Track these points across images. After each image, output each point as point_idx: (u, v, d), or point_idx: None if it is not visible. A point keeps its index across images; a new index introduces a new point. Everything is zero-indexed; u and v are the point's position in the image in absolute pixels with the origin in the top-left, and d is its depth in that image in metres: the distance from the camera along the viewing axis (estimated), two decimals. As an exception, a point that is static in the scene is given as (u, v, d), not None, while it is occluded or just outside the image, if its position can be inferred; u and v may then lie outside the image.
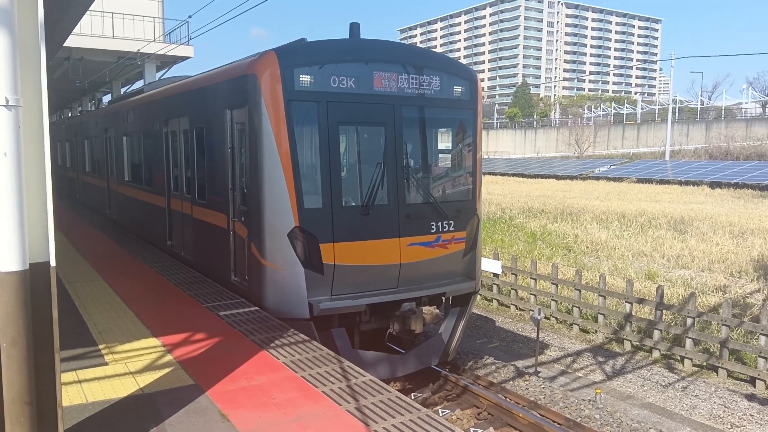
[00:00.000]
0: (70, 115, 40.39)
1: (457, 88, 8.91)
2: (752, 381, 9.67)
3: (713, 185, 37.58)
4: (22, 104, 3.32)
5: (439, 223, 8.74)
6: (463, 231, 9.01)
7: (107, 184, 17.20)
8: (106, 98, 34.10)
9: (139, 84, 28.53)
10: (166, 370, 5.79)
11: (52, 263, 3.63)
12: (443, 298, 9.08)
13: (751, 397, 9.28)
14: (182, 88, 10.93)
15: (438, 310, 8.69)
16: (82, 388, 5.36)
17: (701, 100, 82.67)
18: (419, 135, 8.87)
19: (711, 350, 10.51)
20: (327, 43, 8.20)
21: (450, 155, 9.51)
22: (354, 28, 8.54)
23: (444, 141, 9.42)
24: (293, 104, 7.64)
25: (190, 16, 19.12)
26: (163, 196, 11.84)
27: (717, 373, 10.06)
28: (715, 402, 9.13)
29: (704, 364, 10.32)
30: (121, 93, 27.24)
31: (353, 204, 8.15)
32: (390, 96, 8.26)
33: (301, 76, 7.65)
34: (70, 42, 19.43)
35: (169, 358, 6.14)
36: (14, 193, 3.28)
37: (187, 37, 23.51)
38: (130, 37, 24.16)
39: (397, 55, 8.49)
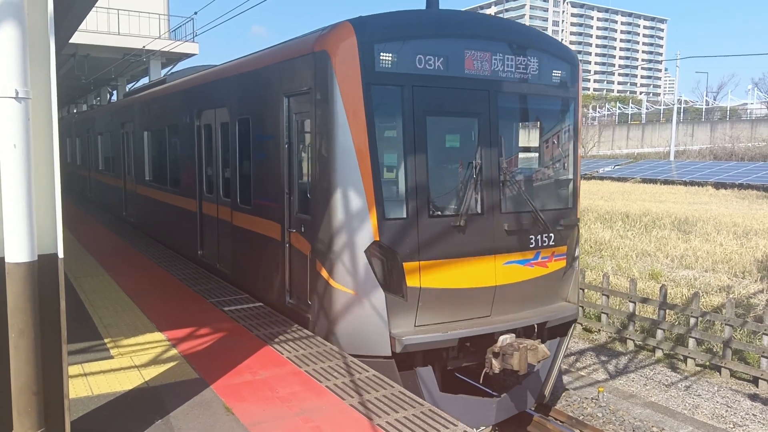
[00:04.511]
0: (76, 111, 40.35)
1: (557, 72, 7.42)
2: (755, 381, 9.66)
3: (718, 186, 37.49)
4: (32, 96, 3.35)
5: (539, 237, 7.21)
6: (564, 245, 7.50)
7: (124, 184, 15.93)
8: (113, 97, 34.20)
9: (144, 81, 28.61)
10: (171, 364, 5.83)
11: (60, 255, 3.66)
12: (535, 327, 7.40)
13: (753, 397, 9.27)
14: (220, 75, 9.53)
15: (544, 346, 7.01)
16: (88, 381, 5.40)
17: (706, 100, 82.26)
18: (517, 129, 7.47)
19: (714, 350, 10.50)
20: (408, 14, 6.69)
21: (550, 153, 7.92)
22: None
23: (544, 135, 7.85)
24: (374, 89, 6.21)
25: (195, 13, 19.10)
26: (194, 199, 10.50)
27: (720, 373, 10.05)
28: (717, 401, 9.13)
29: (707, 363, 10.31)
30: (127, 89, 27.24)
31: (441, 214, 6.69)
32: (484, 80, 6.80)
33: (382, 54, 6.20)
34: (76, 38, 19.50)
35: (174, 352, 6.17)
36: (23, 184, 3.31)
37: (192, 34, 23.58)
38: (136, 33, 24.28)
39: (491, 30, 7.02)
